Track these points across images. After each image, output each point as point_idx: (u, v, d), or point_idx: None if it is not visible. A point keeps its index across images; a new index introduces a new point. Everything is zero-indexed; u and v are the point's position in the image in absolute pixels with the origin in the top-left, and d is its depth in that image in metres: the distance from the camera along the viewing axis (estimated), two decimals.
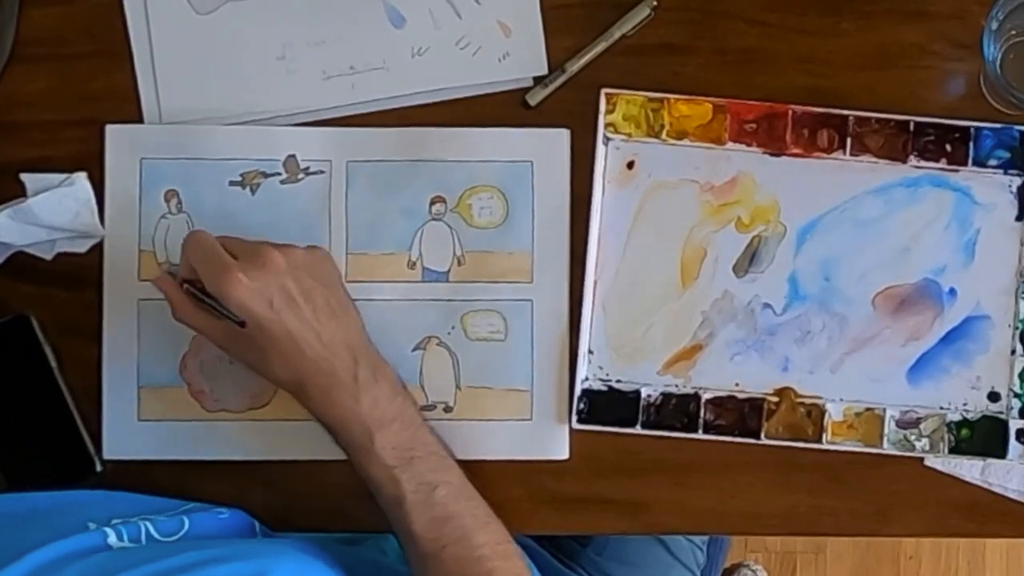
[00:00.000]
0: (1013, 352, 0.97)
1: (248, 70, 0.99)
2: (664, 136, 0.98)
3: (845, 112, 0.97)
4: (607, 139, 0.98)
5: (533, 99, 0.98)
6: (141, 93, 0.99)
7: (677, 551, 1.20)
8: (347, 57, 0.99)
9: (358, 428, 0.88)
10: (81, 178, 0.97)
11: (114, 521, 0.84)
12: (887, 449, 0.97)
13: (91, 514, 0.85)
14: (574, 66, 0.98)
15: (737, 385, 0.98)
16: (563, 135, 0.98)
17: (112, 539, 0.82)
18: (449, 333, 0.98)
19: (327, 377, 0.88)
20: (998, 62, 0.93)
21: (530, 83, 0.99)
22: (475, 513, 0.90)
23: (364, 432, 0.88)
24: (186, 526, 0.87)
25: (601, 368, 0.98)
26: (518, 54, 0.99)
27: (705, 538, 1.23)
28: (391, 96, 0.99)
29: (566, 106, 0.98)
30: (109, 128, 0.98)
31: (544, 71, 0.98)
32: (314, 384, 0.88)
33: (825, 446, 0.97)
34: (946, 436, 0.97)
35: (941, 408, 0.97)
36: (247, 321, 0.87)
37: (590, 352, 0.98)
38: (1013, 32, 0.94)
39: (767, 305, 0.98)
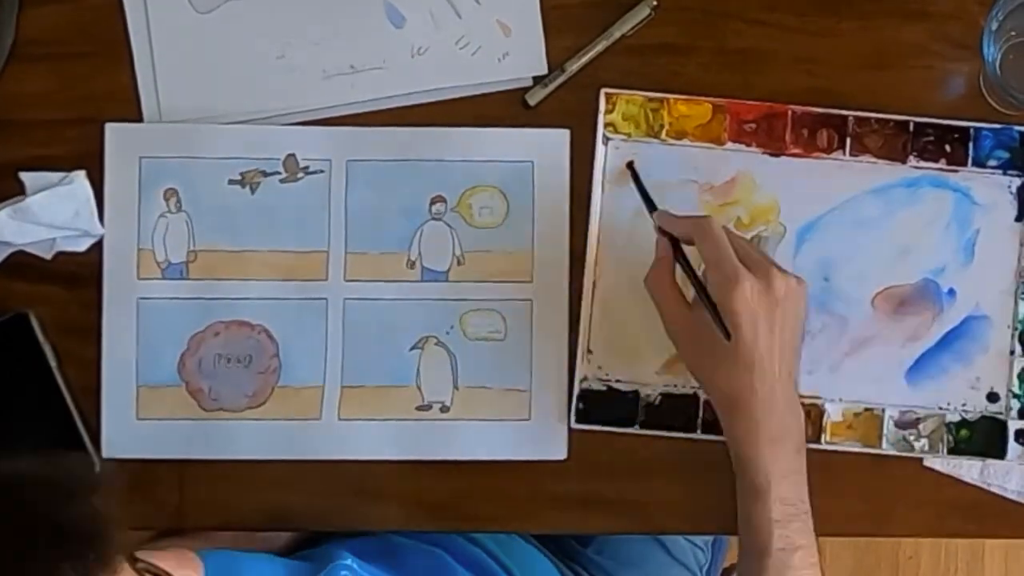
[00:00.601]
0: (1012, 352, 0.97)
1: (248, 69, 0.99)
2: (664, 136, 0.98)
3: (845, 112, 0.97)
4: (607, 139, 0.98)
5: (533, 99, 0.98)
6: (141, 92, 0.99)
7: (676, 551, 1.20)
8: (347, 56, 0.99)
9: (762, 473, 0.87)
10: (80, 177, 0.97)
11: None
12: (886, 449, 0.97)
13: None
14: (574, 66, 0.98)
15: None
16: (563, 135, 0.98)
17: None
18: (448, 333, 0.98)
19: (761, 412, 0.87)
20: (998, 62, 0.93)
21: (530, 83, 0.99)
22: None
23: (765, 478, 0.87)
24: None
25: (600, 368, 0.98)
26: (518, 54, 0.99)
27: (708, 538, 1.24)
28: (391, 96, 0.99)
29: (566, 106, 0.98)
30: (109, 127, 0.98)
31: (544, 71, 0.98)
32: (747, 413, 0.87)
33: (824, 446, 0.97)
34: (945, 436, 0.97)
35: (940, 408, 0.97)
36: (734, 329, 0.85)
37: (589, 352, 0.98)
38: (1013, 32, 0.94)
39: None
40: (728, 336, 0.86)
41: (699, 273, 0.90)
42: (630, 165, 0.95)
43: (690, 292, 0.91)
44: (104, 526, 0.63)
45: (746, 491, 0.89)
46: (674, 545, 1.19)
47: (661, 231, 0.92)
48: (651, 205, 0.95)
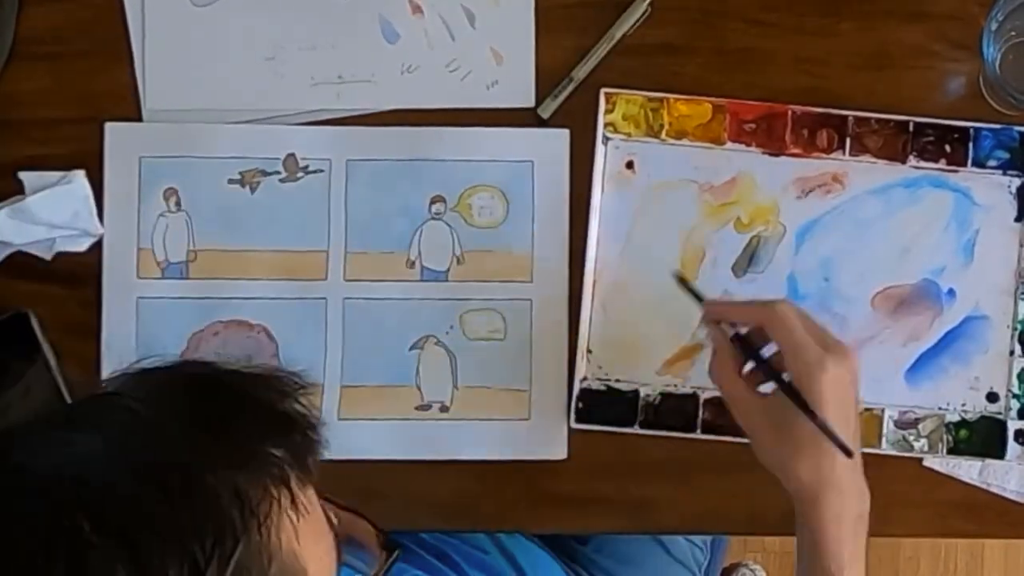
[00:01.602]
0: (1012, 353, 0.97)
1: (237, 67, 0.99)
2: (663, 136, 0.98)
3: (845, 112, 0.97)
4: (607, 139, 0.98)
5: (545, 112, 0.98)
6: (140, 91, 0.99)
7: (675, 551, 1.20)
8: (336, 66, 0.99)
9: (837, 559, 0.83)
10: (79, 176, 0.97)
11: None
12: (886, 449, 0.97)
13: None
14: (581, 72, 0.98)
15: None
16: (563, 135, 0.98)
17: None
18: (448, 332, 0.98)
19: (847, 495, 0.83)
20: (998, 62, 0.93)
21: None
22: None
23: (838, 565, 0.83)
24: None
25: (600, 368, 0.98)
26: (507, 83, 0.98)
27: (707, 537, 1.24)
28: (375, 111, 0.99)
29: (566, 106, 0.98)
30: (108, 126, 0.98)
31: (531, 104, 0.98)
32: (831, 499, 0.83)
33: None
34: (945, 437, 0.97)
35: (940, 409, 0.97)
36: (816, 417, 0.81)
37: (589, 352, 0.98)
38: (1013, 32, 0.94)
39: None
40: (815, 418, 0.81)
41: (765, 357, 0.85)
42: (678, 276, 0.90)
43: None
44: (316, 421, 0.68)
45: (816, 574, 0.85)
46: (673, 544, 1.19)
47: (712, 321, 0.87)
48: (698, 297, 0.89)
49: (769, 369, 0.84)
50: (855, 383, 0.83)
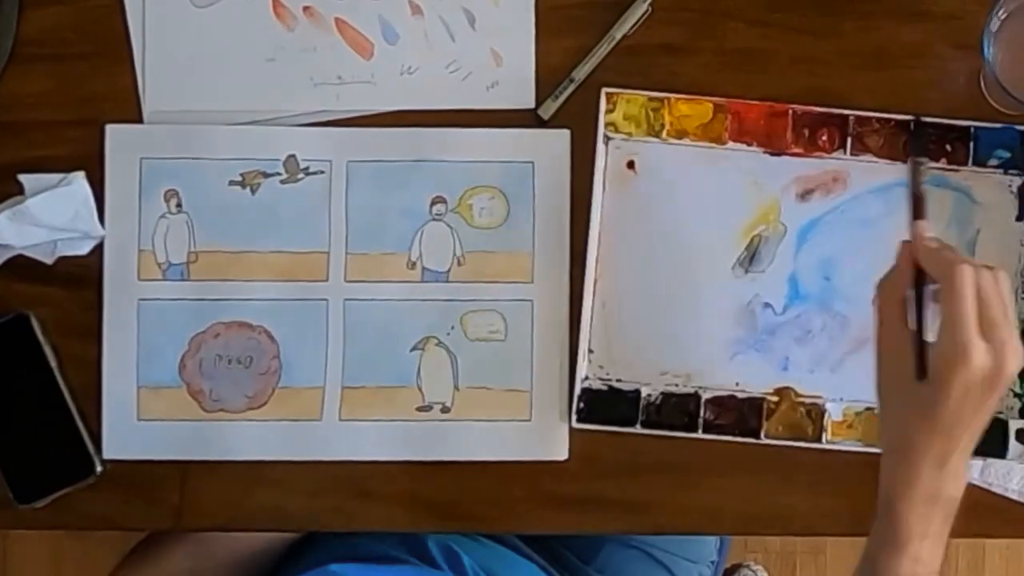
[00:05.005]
0: None
1: (238, 68, 0.99)
2: (664, 136, 0.98)
3: (845, 112, 0.97)
4: (607, 139, 0.98)
5: (546, 113, 0.98)
6: (141, 93, 0.99)
7: (679, 573, 1.19)
8: (336, 67, 0.99)
9: (905, 527, 0.82)
10: (79, 178, 0.97)
11: None
12: None
13: None
14: (581, 73, 0.98)
15: (737, 384, 0.98)
16: (563, 135, 0.98)
17: None
18: (448, 333, 0.98)
19: (928, 470, 0.81)
20: (998, 62, 0.93)
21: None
22: None
23: (906, 533, 0.82)
24: None
25: (601, 367, 0.98)
26: (507, 84, 0.98)
27: (712, 559, 1.23)
28: (375, 112, 0.99)
29: (567, 106, 0.98)
30: (109, 128, 0.98)
31: (531, 104, 0.98)
32: (913, 465, 0.81)
33: (825, 446, 0.97)
34: None
35: None
36: (938, 390, 0.79)
37: (590, 351, 0.98)
38: (1013, 32, 0.94)
39: (767, 305, 0.98)
40: (922, 377, 0.80)
41: (928, 314, 0.82)
42: (915, 161, 0.87)
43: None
44: None
45: (882, 538, 0.83)
46: (676, 566, 1.19)
47: (911, 244, 0.85)
48: (917, 212, 0.87)
49: (920, 314, 0.82)
50: (996, 387, 0.79)
